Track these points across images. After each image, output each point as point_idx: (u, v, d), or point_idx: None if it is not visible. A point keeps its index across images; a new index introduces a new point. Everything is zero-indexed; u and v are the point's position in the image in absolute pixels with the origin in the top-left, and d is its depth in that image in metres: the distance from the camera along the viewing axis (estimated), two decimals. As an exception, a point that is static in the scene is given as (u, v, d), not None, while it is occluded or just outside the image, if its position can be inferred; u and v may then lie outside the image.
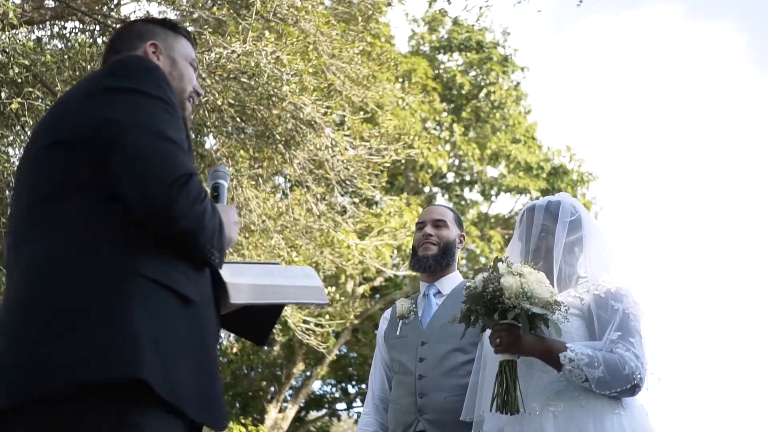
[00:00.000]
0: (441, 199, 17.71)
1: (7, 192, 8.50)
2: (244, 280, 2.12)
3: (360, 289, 14.46)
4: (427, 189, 16.80)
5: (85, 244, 1.82)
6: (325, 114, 8.97)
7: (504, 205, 16.85)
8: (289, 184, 11.97)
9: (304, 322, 11.47)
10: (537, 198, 11.99)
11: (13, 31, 7.19)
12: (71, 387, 1.67)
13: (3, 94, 7.31)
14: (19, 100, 7.21)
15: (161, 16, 8.95)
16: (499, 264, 2.94)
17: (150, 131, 1.87)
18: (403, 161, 12.64)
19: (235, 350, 15.27)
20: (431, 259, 3.63)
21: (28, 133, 8.09)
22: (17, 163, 8.51)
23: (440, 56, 17.14)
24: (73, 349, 1.70)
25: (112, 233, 1.84)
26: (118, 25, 8.47)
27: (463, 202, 17.34)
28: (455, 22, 16.94)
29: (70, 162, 1.90)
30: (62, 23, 9.12)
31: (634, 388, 2.88)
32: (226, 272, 2.09)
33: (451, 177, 17.31)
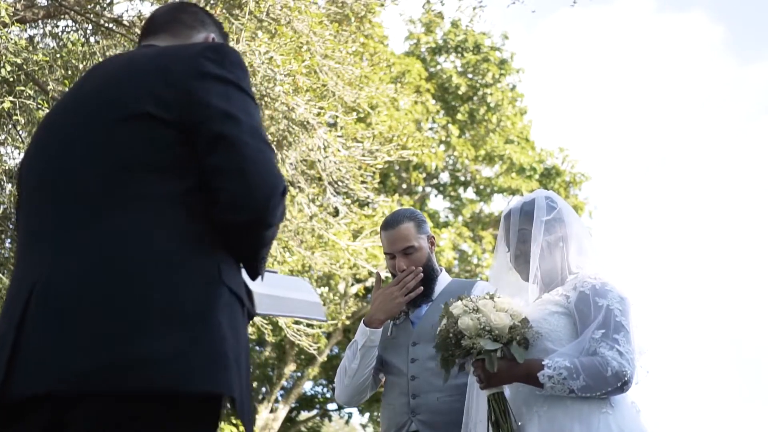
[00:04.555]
0: (435, 200, 17.73)
1: (9, 186, 8.47)
2: (265, 290, 2.10)
3: (352, 290, 14.46)
4: (420, 189, 16.82)
5: (178, 236, 1.74)
6: (317, 114, 8.98)
7: (497, 205, 16.94)
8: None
9: (296, 322, 11.47)
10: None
11: (5, 29, 7.16)
12: (158, 388, 1.63)
13: (-5, 93, 7.29)
14: (11, 99, 7.19)
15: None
16: (455, 304, 2.98)
17: (259, 133, 1.83)
18: (396, 162, 12.65)
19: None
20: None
21: (20, 131, 8.07)
22: (11, 162, 8.49)
23: (436, 57, 17.15)
24: (170, 351, 1.64)
25: (199, 228, 1.77)
26: (110, 24, 8.46)
27: (457, 202, 17.35)
28: (453, 24, 16.96)
29: (165, 139, 1.79)
30: (55, 22, 9.11)
31: (622, 386, 2.86)
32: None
33: (445, 177, 17.33)
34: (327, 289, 13.50)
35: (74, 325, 1.64)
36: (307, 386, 18.20)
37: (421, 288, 3.47)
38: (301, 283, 2.39)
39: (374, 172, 10.17)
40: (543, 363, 2.87)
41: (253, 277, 1.96)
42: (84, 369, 1.61)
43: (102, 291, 1.66)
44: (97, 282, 1.67)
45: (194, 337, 1.66)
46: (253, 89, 7.69)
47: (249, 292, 1.99)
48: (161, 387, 1.62)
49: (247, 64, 7.85)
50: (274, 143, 9.24)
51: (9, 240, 9.19)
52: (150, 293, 1.66)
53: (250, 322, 2.22)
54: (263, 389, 17.46)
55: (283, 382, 16.76)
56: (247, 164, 1.77)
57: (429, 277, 3.58)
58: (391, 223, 3.58)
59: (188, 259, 1.73)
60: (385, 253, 3.65)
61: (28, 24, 8.71)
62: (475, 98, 16.47)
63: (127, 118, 1.80)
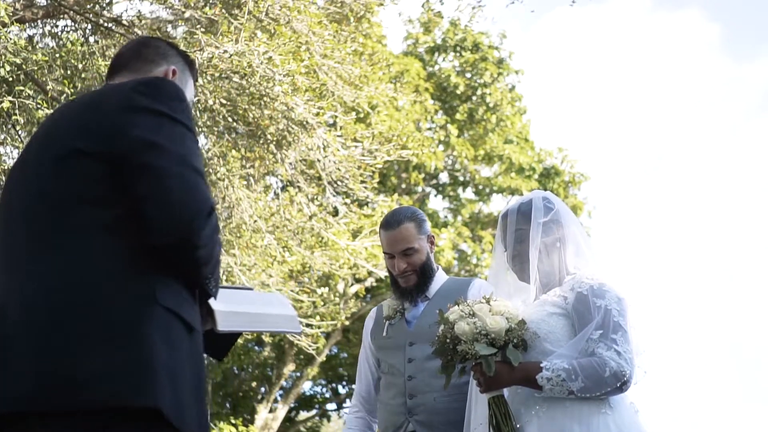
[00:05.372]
0: (434, 200, 17.73)
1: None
2: (229, 308, 2.17)
3: (352, 290, 14.45)
4: (419, 189, 16.81)
5: (112, 262, 1.86)
6: (317, 114, 8.97)
7: (496, 205, 17.00)
8: (280, 185, 11.98)
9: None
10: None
11: (5, 29, 7.16)
12: (90, 405, 1.75)
13: (-6, 93, 7.29)
14: (10, 98, 7.19)
15: (153, 16, 8.95)
16: (451, 310, 3.01)
17: (184, 161, 1.93)
18: (396, 162, 12.64)
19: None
20: (415, 290, 3.58)
21: (20, 131, 8.07)
22: (10, 161, 8.48)
23: (435, 57, 17.14)
24: (95, 368, 1.76)
25: (132, 253, 1.88)
26: (110, 24, 8.46)
27: (457, 202, 17.35)
28: (452, 23, 16.94)
29: (96, 173, 1.91)
30: (54, 22, 9.10)
31: (621, 387, 2.86)
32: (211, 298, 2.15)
33: (444, 177, 17.32)
34: (326, 289, 13.48)
35: (14, 353, 1.78)
36: (306, 386, 18.21)
37: None
38: (277, 298, 2.43)
39: (373, 172, 10.17)
40: (541, 365, 2.87)
41: (206, 297, 2.06)
42: (17, 391, 1.75)
43: (39, 322, 1.80)
44: (35, 315, 1.81)
45: (122, 355, 1.78)
46: (252, 89, 7.62)
47: (210, 311, 2.11)
48: (87, 403, 1.75)
49: (246, 64, 7.90)
50: (274, 143, 9.24)
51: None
52: (82, 318, 1.80)
53: None
54: (262, 389, 17.47)
55: (282, 382, 16.77)
56: (167, 191, 1.88)
57: (427, 276, 3.58)
58: (391, 223, 3.56)
59: (120, 283, 1.85)
60: (384, 252, 3.64)
61: (27, 24, 8.71)
62: (474, 98, 16.47)
63: (62, 155, 1.94)
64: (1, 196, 2.10)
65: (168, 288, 1.90)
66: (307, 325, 11.71)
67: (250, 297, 2.33)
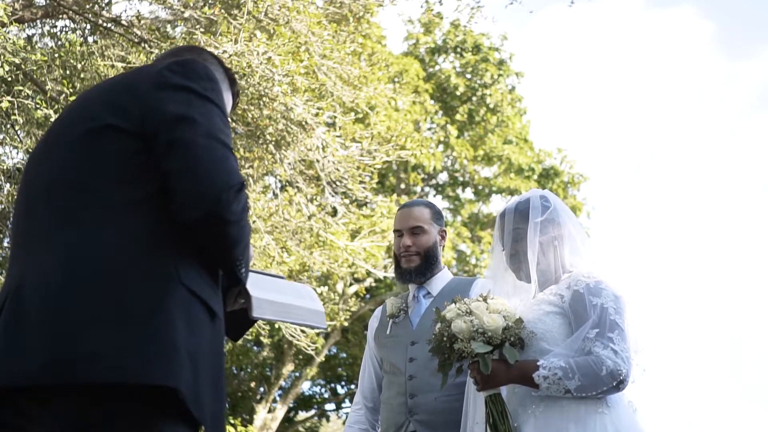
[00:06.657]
0: (434, 200, 17.72)
1: (8, 186, 8.47)
2: (265, 295, 2.13)
3: (351, 290, 14.45)
4: (418, 189, 16.82)
5: (135, 239, 1.82)
6: (316, 114, 8.98)
7: (495, 206, 17.06)
8: (279, 185, 11.98)
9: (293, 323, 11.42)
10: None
11: (4, 29, 7.16)
12: (107, 381, 1.70)
13: (-7, 93, 7.29)
14: (9, 98, 7.19)
15: (152, 16, 8.95)
16: (448, 308, 3.01)
17: (211, 134, 1.90)
18: (395, 162, 12.65)
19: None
20: (414, 272, 3.60)
21: (19, 131, 8.07)
22: (9, 161, 8.49)
23: (435, 58, 17.14)
24: (116, 346, 1.71)
25: (158, 232, 1.84)
26: (109, 24, 8.46)
27: (456, 202, 17.36)
28: (452, 24, 16.95)
29: (127, 149, 1.88)
30: (53, 22, 9.11)
31: (618, 386, 2.86)
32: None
33: (444, 177, 17.33)
34: (326, 288, 13.49)
35: (33, 327, 1.75)
36: (305, 386, 18.21)
37: None
38: (306, 291, 2.41)
39: (372, 172, 10.18)
40: (538, 363, 2.87)
41: (235, 282, 2.01)
42: (34, 365, 1.71)
43: (58, 295, 1.76)
44: (55, 289, 1.77)
45: (140, 332, 1.74)
46: (251, 89, 7.64)
47: (246, 294, 2.06)
48: (105, 379, 1.70)
49: (245, 64, 7.90)
50: (273, 143, 9.25)
51: (8, 240, 9.21)
52: (101, 294, 1.76)
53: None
54: (261, 389, 17.47)
55: (281, 382, 16.76)
56: (195, 163, 1.85)
57: (429, 262, 3.61)
58: (408, 204, 3.71)
59: (142, 261, 1.80)
60: (394, 231, 3.70)
61: (26, 24, 8.71)
62: (474, 98, 16.47)
63: (93, 131, 1.91)
64: (21, 179, 2.07)
65: (192, 270, 1.85)
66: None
67: (281, 286, 2.28)
